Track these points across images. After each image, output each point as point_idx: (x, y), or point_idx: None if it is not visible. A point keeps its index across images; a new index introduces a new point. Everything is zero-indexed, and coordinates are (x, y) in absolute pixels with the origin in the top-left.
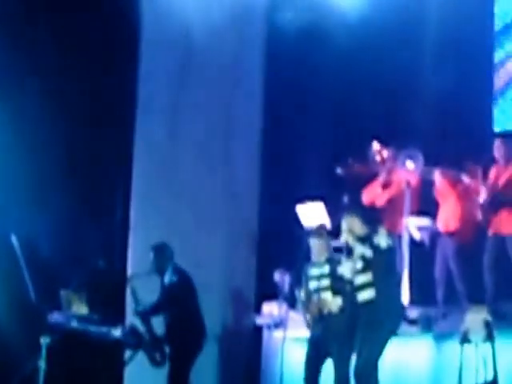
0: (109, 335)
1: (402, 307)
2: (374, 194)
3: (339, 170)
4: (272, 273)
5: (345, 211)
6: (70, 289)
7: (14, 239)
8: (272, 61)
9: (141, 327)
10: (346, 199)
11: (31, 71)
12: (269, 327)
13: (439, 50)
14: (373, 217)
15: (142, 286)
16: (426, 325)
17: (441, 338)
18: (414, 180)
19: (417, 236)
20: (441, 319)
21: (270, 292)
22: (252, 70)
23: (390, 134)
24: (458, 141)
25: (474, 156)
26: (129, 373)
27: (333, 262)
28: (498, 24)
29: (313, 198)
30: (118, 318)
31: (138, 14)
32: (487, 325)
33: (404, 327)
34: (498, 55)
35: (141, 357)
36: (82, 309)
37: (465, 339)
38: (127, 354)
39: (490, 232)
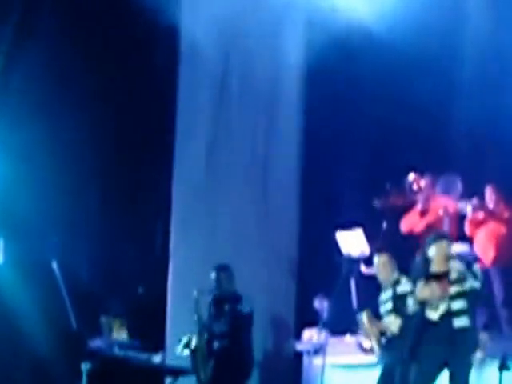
0: (149, 361)
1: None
2: (412, 222)
3: (376, 202)
4: (312, 299)
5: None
6: (110, 315)
7: (54, 265)
8: (310, 89)
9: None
10: (384, 226)
11: (75, 101)
12: (308, 353)
13: (478, 77)
14: None
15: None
16: None
17: (480, 363)
18: (452, 206)
19: None
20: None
21: (309, 318)
22: (290, 98)
23: (428, 161)
24: (495, 168)
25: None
26: None
27: (397, 284)
28: None
29: (352, 225)
30: (159, 344)
31: (178, 47)
32: None
33: None
34: None
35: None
36: (122, 335)
37: (503, 365)
38: (168, 380)
39: None
